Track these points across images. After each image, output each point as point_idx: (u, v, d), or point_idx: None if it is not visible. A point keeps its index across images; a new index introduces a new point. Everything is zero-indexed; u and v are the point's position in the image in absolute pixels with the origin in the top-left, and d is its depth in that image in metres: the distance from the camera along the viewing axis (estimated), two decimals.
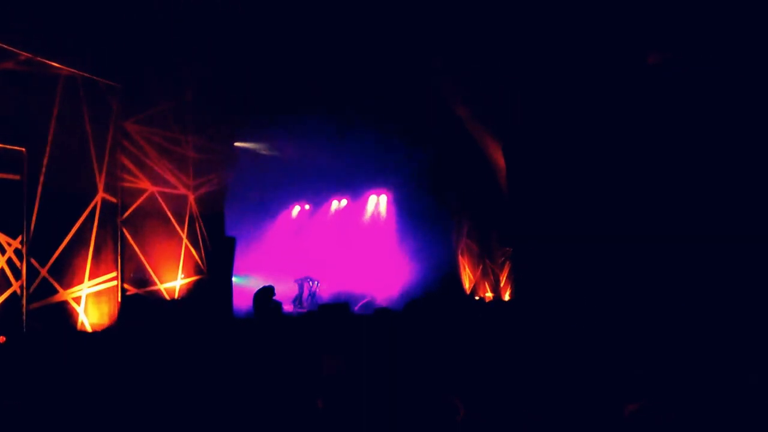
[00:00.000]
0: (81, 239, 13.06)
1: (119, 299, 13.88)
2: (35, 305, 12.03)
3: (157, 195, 15.36)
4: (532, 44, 15.86)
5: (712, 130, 13.76)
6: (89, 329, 12.94)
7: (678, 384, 7.03)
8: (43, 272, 12.21)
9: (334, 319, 11.14)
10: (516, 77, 16.88)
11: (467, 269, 25.42)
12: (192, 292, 15.98)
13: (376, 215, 27.85)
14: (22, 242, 11.81)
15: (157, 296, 15.00)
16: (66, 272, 12.71)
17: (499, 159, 19.76)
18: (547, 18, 15.04)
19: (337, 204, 29.17)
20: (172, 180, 15.84)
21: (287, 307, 23.81)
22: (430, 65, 18.17)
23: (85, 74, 13.38)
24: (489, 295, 25.54)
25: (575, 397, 6.88)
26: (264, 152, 23.40)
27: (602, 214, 15.41)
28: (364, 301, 23.68)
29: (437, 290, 22.94)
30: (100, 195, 13.56)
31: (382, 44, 16.72)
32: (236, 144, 18.61)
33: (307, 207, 29.76)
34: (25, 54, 12.11)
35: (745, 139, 13.48)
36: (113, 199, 13.94)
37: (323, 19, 15.40)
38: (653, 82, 14.59)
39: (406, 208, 26.15)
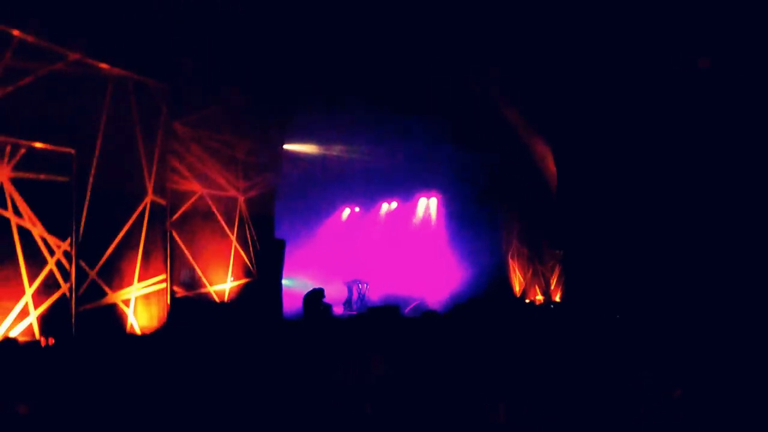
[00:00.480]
0: (130, 241, 12.90)
1: (168, 302, 13.72)
2: (84, 307, 11.88)
3: (207, 197, 15.20)
4: (583, 50, 15.58)
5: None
6: (138, 332, 12.79)
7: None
8: (92, 274, 12.06)
9: (384, 321, 10.94)
10: (567, 82, 16.61)
11: (517, 272, 25.07)
12: (241, 295, 15.81)
13: (426, 217, 27.60)
14: (71, 244, 11.67)
15: (206, 299, 14.85)
16: (115, 274, 12.56)
17: (550, 162, 19.48)
18: (599, 23, 14.75)
19: (387, 206, 28.96)
20: (222, 182, 15.68)
21: (337, 310, 23.63)
22: (484, 72, 17.92)
23: (135, 75, 13.23)
24: (539, 298, 25.17)
25: (620, 402, 6.68)
26: (314, 154, 23.21)
27: (653, 218, 15.09)
28: (414, 304, 23.39)
29: (486, 293, 22.67)
30: (150, 197, 13.40)
31: (438, 49, 16.52)
32: (286, 146, 18.36)
33: (357, 209, 29.59)
34: (75, 55, 11.97)
35: None
36: (162, 201, 13.78)
37: (379, 21, 15.20)
38: (702, 88, 14.26)
39: (456, 211, 25.89)
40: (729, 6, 13.36)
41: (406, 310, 22.52)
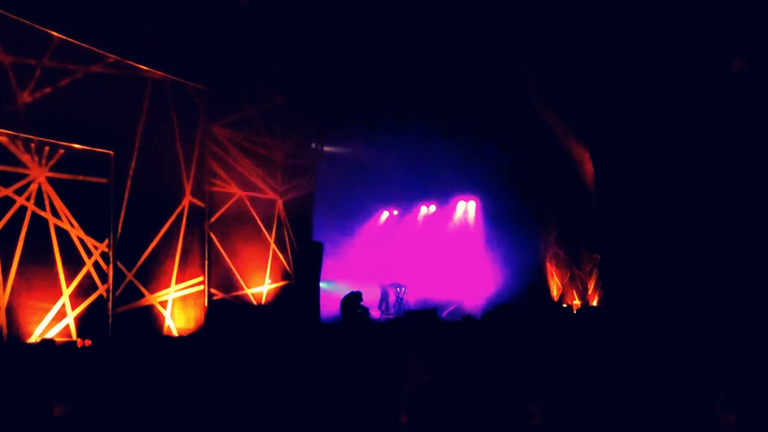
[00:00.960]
0: (168, 243, 12.84)
1: (206, 304, 13.62)
2: (121, 309, 11.84)
3: (245, 199, 15.11)
4: (622, 50, 15.34)
5: None
6: (175, 333, 12.71)
7: None
8: (130, 276, 11.99)
9: (421, 325, 10.77)
10: (604, 83, 16.34)
11: (555, 276, 24.83)
12: (279, 297, 15.69)
13: (464, 221, 27.43)
14: (108, 246, 11.62)
15: (244, 301, 14.74)
16: (152, 276, 12.50)
17: (587, 164, 19.21)
18: (640, 21, 14.51)
19: (426, 210, 28.82)
20: (261, 184, 15.58)
21: (374, 313, 23.51)
22: (517, 72, 17.71)
23: (173, 77, 13.20)
24: (576, 302, 24.92)
25: (657, 409, 6.54)
26: (352, 157, 23.10)
27: (694, 223, 14.81)
28: (452, 307, 23.24)
29: (524, 297, 22.48)
30: (188, 199, 13.33)
31: (472, 51, 16.34)
32: (325, 149, 18.24)
33: (395, 213, 29.48)
34: (114, 56, 11.94)
35: None
36: (200, 203, 13.70)
37: (416, 25, 15.05)
38: (743, 92, 13.97)
39: (494, 215, 25.72)
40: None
41: (444, 314, 22.37)
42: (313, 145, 17.46)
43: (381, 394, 7.11)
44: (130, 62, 12.32)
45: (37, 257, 10.59)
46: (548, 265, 24.74)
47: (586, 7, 14.64)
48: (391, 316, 23.24)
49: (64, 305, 10.83)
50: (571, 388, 7.13)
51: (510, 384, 7.04)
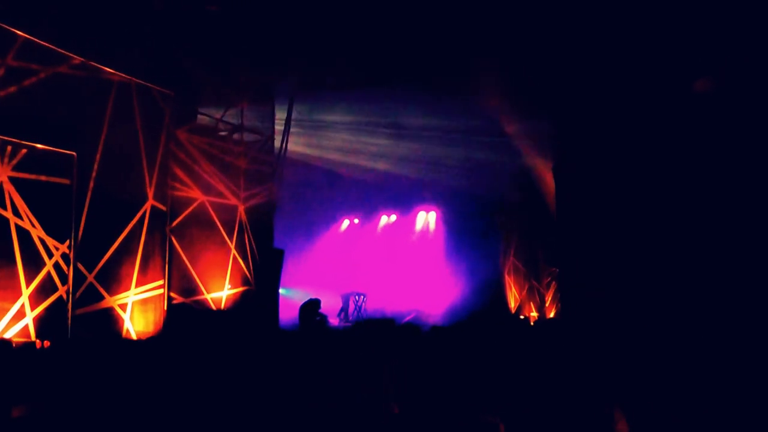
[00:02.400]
0: (129, 246, 12.79)
1: (165, 308, 13.59)
2: (81, 311, 11.77)
3: (207, 204, 15.10)
4: (583, 66, 15.51)
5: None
6: (134, 337, 12.68)
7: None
8: (90, 278, 11.95)
9: (379, 334, 10.82)
10: (567, 99, 16.53)
11: (513, 288, 25.01)
12: (238, 303, 15.68)
13: (424, 231, 27.56)
14: (69, 247, 11.57)
15: (203, 306, 14.73)
16: (113, 279, 12.45)
17: (548, 179, 19.39)
18: (598, 37, 14.69)
19: (387, 219, 28.90)
20: (223, 190, 15.58)
21: (333, 321, 23.52)
22: (480, 83, 17.82)
23: (139, 81, 13.18)
24: (534, 314, 25.09)
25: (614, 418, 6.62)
26: (315, 165, 23.14)
27: (652, 239, 14.99)
28: (410, 317, 23.29)
29: (482, 309, 22.60)
30: (150, 202, 13.30)
31: (436, 58, 16.42)
32: (288, 156, 18.26)
33: (356, 221, 29.53)
34: (79, 58, 11.92)
35: None
36: (163, 207, 13.67)
37: (380, 29, 15.12)
38: (704, 110, 14.18)
39: (454, 226, 25.93)
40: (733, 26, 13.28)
41: (402, 323, 22.46)
42: (277, 152, 17.44)
43: (339, 397, 7.16)
44: (96, 64, 12.29)
45: None
46: (507, 278, 24.93)
47: (550, 32, 14.81)
48: (350, 325, 23.28)
49: (23, 306, 10.75)
50: (531, 400, 7.20)
51: (470, 397, 7.10)
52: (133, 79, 13.05)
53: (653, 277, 14.70)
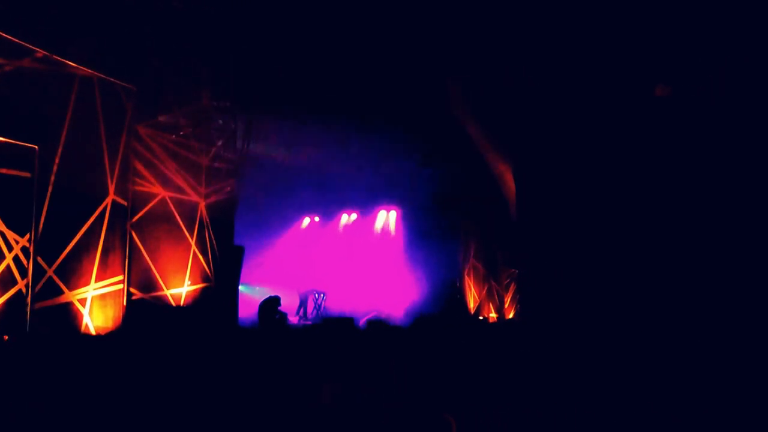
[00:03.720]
0: (89, 241, 12.79)
1: (125, 303, 13.63)
2: (40, 305, 11.77)
3: (168, 200, 15.13)
4: (546, 69, 15.69)
5: (721, 164, 13.61)
6: (93, 332, 12.69)
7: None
8: (50, 272, 11.95)
9: (338, 333, 10.92)
10: (528, 100, 16.70)
11: (472, 289, 25.20)
12: (198, 300, 15.73)
13: (385, 230, 27.69)
14: (29, 240, 11.57)
15: (162, 302, 14.76)
16: (72, 273, 12.44)
17: (509, 180, 19.55)
18: (562, 41, 14.88)
19: (347, 218, 29.01)
20: (184, 186, 15.62)
21: (292, 319, 23.62)
22: (445, 85, 17.97)
23: (101, 75, 13.18)
24: (493, 315, 25.29)
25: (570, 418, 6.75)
26: (277, 162, 23.18)
27: (610, 239, 15.19)
28: (369, 316, 23.40)
29: (441, 309, 22.76)
30: (111, 197, 13.31)
31: (400, 60, 16.55)
32: (250, 153, 18.31)
33: (317, 219, 29.62)
34: (42, 51, 11.91)
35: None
36: (124, 202, 13.70)
37: (343, 30, 15.23)
38: (663, 113, 14.42)
39: (415, 226, 26.05)
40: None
41: (361, 323, 22.57)
42: (238, 150, 17.48)
43: (297, 397, 7.24)
44: (59, 58, 12.29)
45: None
46: (466, 278, 25.11)
47: (510, 30, 14.98)
48: (309, 323, 23.36)
49: None
50: (486, 400, 7.32)
51: (425, 396, 7.21)
52: (96, 73, 13.06)
53: (613, 279, 14.91)
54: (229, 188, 17.13)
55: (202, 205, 16.15)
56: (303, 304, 25.70)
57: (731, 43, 13.13)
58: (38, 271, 11.76)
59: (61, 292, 12.20)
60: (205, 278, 16.13)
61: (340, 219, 29.14)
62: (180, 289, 15.30)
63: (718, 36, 13.19)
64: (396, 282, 25.38)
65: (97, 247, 12.96)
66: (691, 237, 13.80)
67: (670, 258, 14.00)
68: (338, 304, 25.54)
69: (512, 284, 25.54)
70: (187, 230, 15.60)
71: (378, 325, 12.41)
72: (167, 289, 14.92)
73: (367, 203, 27.46)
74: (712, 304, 12.96)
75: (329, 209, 28.68)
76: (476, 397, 7.36)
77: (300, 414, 6.99)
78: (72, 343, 10.35)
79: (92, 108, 13.04)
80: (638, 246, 14.75)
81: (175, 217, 15.34)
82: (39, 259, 11.77)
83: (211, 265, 16.35)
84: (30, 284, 11.55)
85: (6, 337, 10.59)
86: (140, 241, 14.28)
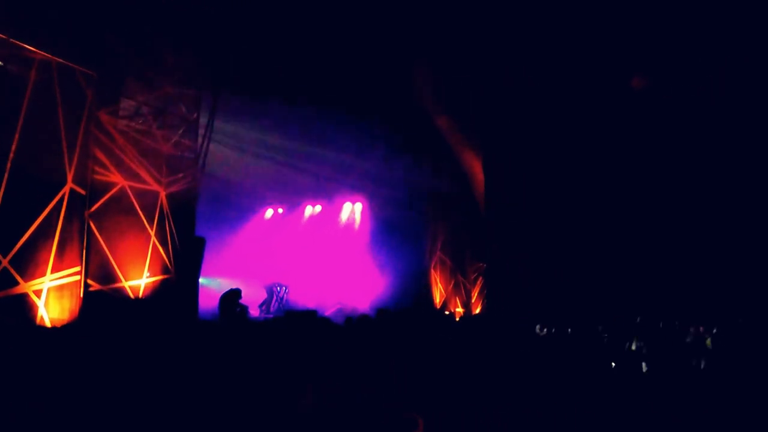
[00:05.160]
0: (46, 230, 12.71)
1: (82, 295, 13.54)
2: None
3: (128, 189, 15.03)
4: (518, 58, 15.75)
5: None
6: (48, 324, 12.61)
7: None
8: (5, 262, 11.88)
9: (301, 326, 10.94)
10: (499, 92, 16.76)
11: (439, 283, 25.28)
12: (157, 292, 15.65)
13: (350, 222, 27.70)
14: None
15: (121, 294, 14.68)
16: (28, 263, 12.37)
17: (478, 172, 19.63)
18: (533, 32, 14.94)
19: (312, 209, 28.99)
20: (144, 175, 15.52)
21: (254, 312, 23.60)
22: (413, 74, 18.00)
23: (61, 60, 13.09)
24: (459, 310, 25.38)
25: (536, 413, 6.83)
26: (239, 152, 23.12)
27: (580, 232, 15.31)
28: (333, 309, 23.47)
29: (407, 303, 22.81)
30: (69, 185, 13.23)
31: (368, 46, 16.55)
32: (213, 141, 18.23)
33: (280, 210, 29.57)
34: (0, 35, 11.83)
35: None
36: (82, 191, 13.61)
37: (310, 15, 15.22)
38: (638, 106, 14.54)
39: (381, 218, 26.10)
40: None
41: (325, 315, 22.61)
42: (200, 138, 17.41)
43: (259, 391, 7.26)
44: (17, 42, 12.21)
45: None
46: (433, 272, 25.16)
47: (482, 20, 15.03)
48: (271, 316, 23.36)
49: None
50: (453, 396, 7.37)
51: (391, 393, 7.25)
52: (55, 58, 12.97)
53: (582, 274, 15.04)
54: (190, 177, 17.04)
55: (163, 195, 16.06)
56: (269, 297, 25.69)
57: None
58: None
59: (16, 283, 12.12)
60: (165, 270, 16.05)
61: (304, 210, 29.11)
62: (139, 281, 15.23)
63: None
64: (361, 275, 25.41)
65: (53, 237, 12.88)
66: (665, 234, 13.98)
67: (642, 251, 14.17)
68: (302, 297, 25.52)
69: (480, 278, 25.62)
70: (147, 220, 15.51)
71: (343, 318, 12.46)
72: (126, 280, 14.84)
73: (332, 194, 27.44)
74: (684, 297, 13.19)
75: (293, 200, 28.64)
76: (442, 394, 7.41)
77: (261, 410, 7.01)
78: (26, 335, 10.31)
79: (51, 94, 12.94)
80: (609, 238, 14.89)
81: (134, 206, 15.23)
82: None
83: (172, 256, 16.27)
84: None
85: None
86: (98, 231, 14.18)
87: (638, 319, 12.31)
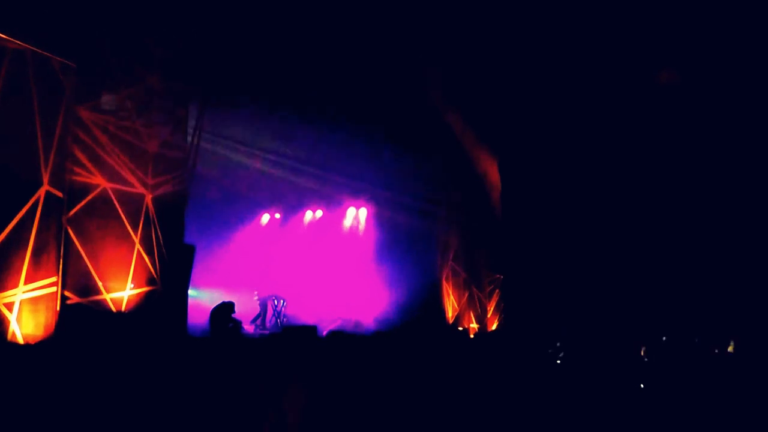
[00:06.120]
0: (18, 237, 12.53)
1: (58, 308, 13.39)
2: None
3: (110, 192, 14.91)
4: (537, 53, 15.63)
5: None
6: (21, 340, 12.47)
7: None
8: None
9: (300, 344, 10.83)
10: (517, 87, 16.62)
11: (451, 296, 25.13)
12: (142, 305, 15.52)
13: (354, 229, 27.56)
14: None
15: (101, 307, 14.56)
16: None
17: (494, 175, 19.51)
18: (551, 26, 14.83)
19: (312, 214, 28.88)
20: (129, 176, 15.41)
21: (248, 328, 23.48)
22: (424, 71, 17.88)
23: (36, 50, 12.95)
24: (474, 326, 25.24)
25: None
26: (234, 152, 23.04)
27: (608, 243, 15.17)
28: (335, 325, 23.35)
29: (416, 318, 22.68)
30: (45, 188, 13.08)
31: (371, 43, 16.45)
32: (204, 141, 18.13)
33: (277, 216, 29.47)
34: None
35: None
36: (59, 194, 13.45)
37: (311, 12, 15.14)
38: (663, 103, 14.41)
39: (387, 224, 25.97)
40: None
41: (326, 332, 22.48)
42: (191, 137, 17.29)
43: (253, 416, 7.16)
44: None
45: None
46: (444, 284, 25.03)
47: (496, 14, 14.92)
48: (267, 332, 23.25)
49: None
50: (467, 425, 7.26)
51: (398, 418, 7.14)
52: (29, 47, 12.84)
53: (612, 287, 14.88)
54: (179, 179, 16.92)
55: (149, 198, 15.95)
56: (263, 311, 25.56)
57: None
58: None
59: None
60: (150, 281, 15.93)
61: (303, 216, 29.01)
62: (122, 293, 15.11)
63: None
64: (366, 287, 25.30)
65: (27, 245, 12.71)
66: (695, 237, 13.86)
67: (674, 258, 14.04)
68: (300, 311, 25.40)
69: (496, 291, 25.50)
70: (130, 226, 15.39)
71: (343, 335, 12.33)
72: (107, 292, 14.72)
73: (335, 198, 27.34)
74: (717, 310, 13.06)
75: (292, 205, 28.54)
76: (457, 423, 7.31)
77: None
78: None
79: (25, 87, 12.78)
80: (641, 247, 14.73)
81: (117, 211, 15.11)
82: None
83: (158, 266, 16.14)
84: None
85: None
86: (77, 238, 14.06)
87: (696, 341, 12.21)
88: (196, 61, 16.50)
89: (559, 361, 12.16)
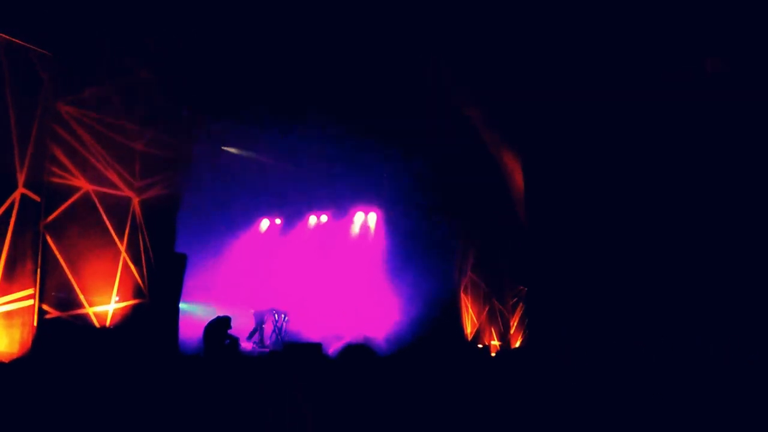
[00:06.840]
0: None
1: (35, 323, 13.36)
2: None
3: (93, 195, 14.89)
4: (568, 39, 15.55)
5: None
6: None
7: None
8: None
9: (303, 363, 10.77)
10: (545, 79, 16.52)
11: (470, 310, 25.08)
12: (128, 320, 15.50)
13: (362, 236, 27.48)
14: None
15: (84, 322, 14.53)
16: None
17: (518, 177, 19.41)
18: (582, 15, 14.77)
19: (316, 220, 28.84)
20: (114, 178, 15.38)
21: (245, 345, 23.44)
22: (439, 63, 17.80)
23: (11, 38, 12.90)
24: (495, 343, 25.21)
25: None
26: (230, 152, 23.04)
27: (641, 252, 15.07)
28: (342, 342, 23.27)
29: (431, 335, 22.60)
30: (20, 191, 13.07)
31: (379, 33, 16.40)
32: (196, 140, 18.10)
33: (278, 222, 29.45)
34: None
35: None
36: (36, 197, 13.43)
37: (318, 13, 15.12)
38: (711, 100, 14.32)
39: (399, 231, 25.84)
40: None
41: (331, 350, 22.43)
42: (183, 134, 17.25)
43: None
44: None
45: None
46: (463, 296, 24.98)
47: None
48: (267, 350, 23.21)
49: None
50: None
51: None
52: (3, 35, 12.80)
53: (649, 299, 14.78)
54: (169, 181, 16.88)
55: (136, 202, 15.92)
56: (259, 326, 25.50)
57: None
58: None
59: None
60: (137, 293, 15.90)
61: (307, 221, 28.97)
62: (106, 306, 15.09)
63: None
64: (375, 300, 25.19)
65: (0, 254, 12.68)
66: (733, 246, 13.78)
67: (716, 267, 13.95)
68: (303, 326, 25.33)
69: (520, 304, 25.45)
70: (116, 233, 15.37)
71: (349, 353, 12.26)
72: (90, 306, 14.69)
73: (341, 203, 27.29)
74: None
75: (294, 210, 28.52)
76: None
77: None
78: None
79: None
80: (681, 257, 14.64)
81: (101, 216, 15.10)
82: None
83: (146, 277, 16.12)
84: None
85: None
86: (56, 246, 14.02)
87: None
88: (192, 53, 16.45)
89: (589, 385, 12.08)
